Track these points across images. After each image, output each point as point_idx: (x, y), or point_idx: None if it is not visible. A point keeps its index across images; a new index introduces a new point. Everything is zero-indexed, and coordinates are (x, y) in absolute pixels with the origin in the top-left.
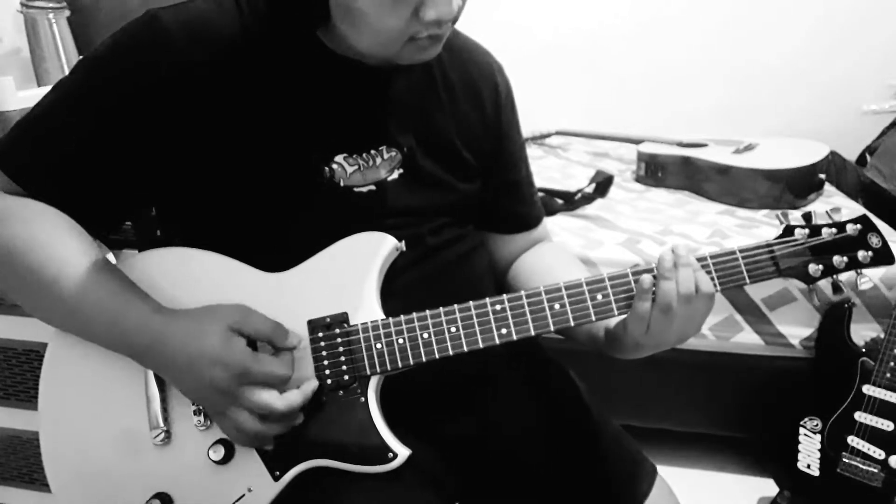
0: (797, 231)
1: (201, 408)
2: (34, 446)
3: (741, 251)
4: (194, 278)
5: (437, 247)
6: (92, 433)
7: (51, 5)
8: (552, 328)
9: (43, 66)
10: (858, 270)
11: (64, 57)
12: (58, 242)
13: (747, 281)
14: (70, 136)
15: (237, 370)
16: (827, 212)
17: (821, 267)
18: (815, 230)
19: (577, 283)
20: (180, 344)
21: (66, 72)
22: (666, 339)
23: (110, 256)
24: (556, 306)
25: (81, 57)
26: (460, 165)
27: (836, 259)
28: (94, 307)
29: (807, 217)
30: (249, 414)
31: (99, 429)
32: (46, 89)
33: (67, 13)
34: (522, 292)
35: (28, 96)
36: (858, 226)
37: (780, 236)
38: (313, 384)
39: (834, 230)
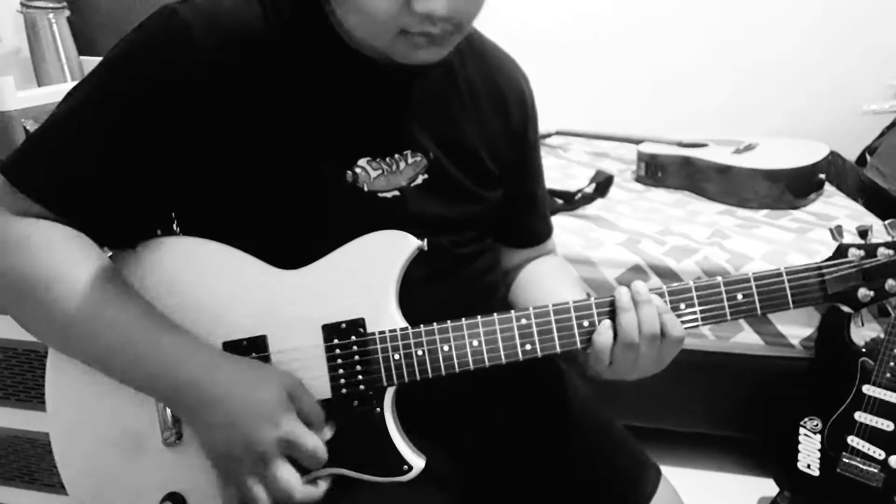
0: (851, 252)
1: None
2: (34, 446)
3: (788, 273)
4: (205, 269)
5: (459, 260)
6: (103, 435)
7: (51, 5)
8: (579, 346)
9: (43, 66)
10: None
11: (64, 57)
12: (81, 272)
13: (790, 305)
14: (92, 145)
15: (287, 435)
16: (885, 224)
17: (872, 293)
18: (871, 251)
19: (608, 300)
20: (232, 387)
21: (67, 72)
22: (627, 375)
23: None
24: (585, 323)
25: (101, 58)
26: (483, 174)
27: (890, 283)
28: (122, 339)
29: (862, 233)
30: (265, 491)
31: (109, 430)
32: (46, 89)
33: (67, 13)
34: (550, 306)
35: (28, 96)
36: None
37: (832, 257)
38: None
39: (891, 251)
